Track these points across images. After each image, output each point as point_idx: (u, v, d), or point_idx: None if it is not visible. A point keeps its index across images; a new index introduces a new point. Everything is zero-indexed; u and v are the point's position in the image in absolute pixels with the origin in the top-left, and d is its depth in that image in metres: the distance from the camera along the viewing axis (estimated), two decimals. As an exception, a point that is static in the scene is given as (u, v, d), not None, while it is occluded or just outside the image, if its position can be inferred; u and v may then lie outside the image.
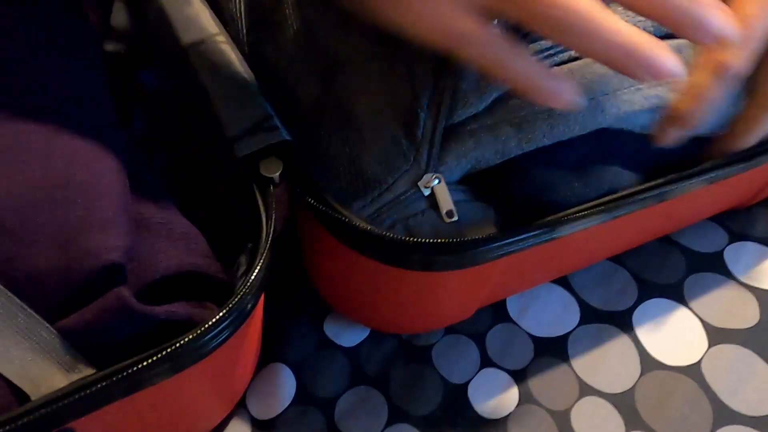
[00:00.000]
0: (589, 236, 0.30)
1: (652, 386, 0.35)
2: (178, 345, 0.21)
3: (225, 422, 0.32)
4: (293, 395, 0.34)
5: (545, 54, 0.29)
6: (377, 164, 0.28)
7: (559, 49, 0.29)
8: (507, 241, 0.26)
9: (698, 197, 0.35)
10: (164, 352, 0.21)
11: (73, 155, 0.24)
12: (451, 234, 0.28)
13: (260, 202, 0.25)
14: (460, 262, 0.26)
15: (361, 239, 0.26)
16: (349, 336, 0.36)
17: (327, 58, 0.31)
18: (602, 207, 0.28)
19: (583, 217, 0.28)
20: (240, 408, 0.33)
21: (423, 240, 0.26)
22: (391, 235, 0.26)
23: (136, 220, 0.24)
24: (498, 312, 0.37)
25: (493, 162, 0.28)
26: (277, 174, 0.26)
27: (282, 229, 0.27)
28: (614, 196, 0.29)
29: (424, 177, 0.27)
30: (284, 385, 0.34)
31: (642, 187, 0.29)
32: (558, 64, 0.30)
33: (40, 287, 0.22)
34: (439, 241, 0.26)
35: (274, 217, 0.24)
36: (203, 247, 0.25)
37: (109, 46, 0.32)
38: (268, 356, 0.35)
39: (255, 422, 0.33)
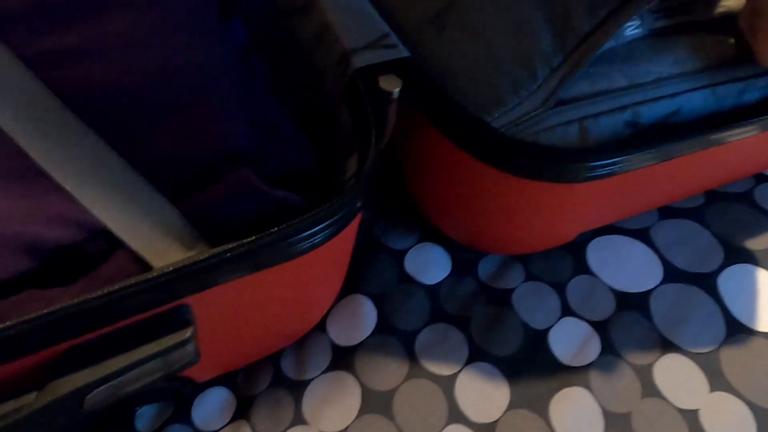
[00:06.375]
0: (683, 166, 0.31)
1: (738, 349, 0.34)
2: (289, 229, 0.22)
3: (304, 342, 0.33)
4: (374, 325, 0.34)
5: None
6: (506, 83, 0.28)
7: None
8: (614, 160, 0.27)
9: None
10: (276, 236, 0.22)
11: (188, 47, 0.24)
12: None
13: (376, 113, 0.25)
14: (565, 173, 0.26)
15: (482, 142, 0.27)
16: (429, 273, 0.36)
17: None
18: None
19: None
20: (320, 332, 0.34)
21: (530, 142, 0.26)
22: (510, 137, 0.27)
23: (250, 115, 0.24)
24: (578, 263, 0.37)
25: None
26: (397, 90, 0.26)
27: (386, 148, 0.28)
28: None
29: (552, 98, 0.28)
30: (365, 315, 0.34)
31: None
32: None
33: (166, 167, 0.22)
34: (546, 147, 0.26)
35: (388, 128, 0.25)
36: (311, 150, 0.25)
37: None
38: (349, 287, 0.35)
39: (335, 347, 0.33)
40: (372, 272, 0.36)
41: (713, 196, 0.41)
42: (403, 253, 0.37)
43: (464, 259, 0.37)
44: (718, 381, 0.32)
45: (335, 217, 0.23)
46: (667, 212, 0.40)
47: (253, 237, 0.21)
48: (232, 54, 0.27)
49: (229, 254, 0.21)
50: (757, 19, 0.30)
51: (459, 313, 0.35)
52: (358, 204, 0.24)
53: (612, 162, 0.27)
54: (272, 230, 0.22)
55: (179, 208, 0.22)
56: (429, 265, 0.37)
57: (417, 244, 0.38)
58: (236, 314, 0.26)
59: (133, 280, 0.20)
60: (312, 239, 0.23)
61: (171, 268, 0.21)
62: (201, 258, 0.21)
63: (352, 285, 0.35)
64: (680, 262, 0.37)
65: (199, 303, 0.23)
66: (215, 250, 0.21)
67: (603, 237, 0.38)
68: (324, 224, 0.22)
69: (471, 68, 0.30)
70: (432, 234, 0.38)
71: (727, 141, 0.31)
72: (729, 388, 0.32)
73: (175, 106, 0.23)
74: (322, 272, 0.28)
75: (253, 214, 0.22)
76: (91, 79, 0.23)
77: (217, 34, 0.27)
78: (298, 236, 0.22)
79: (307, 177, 0.26)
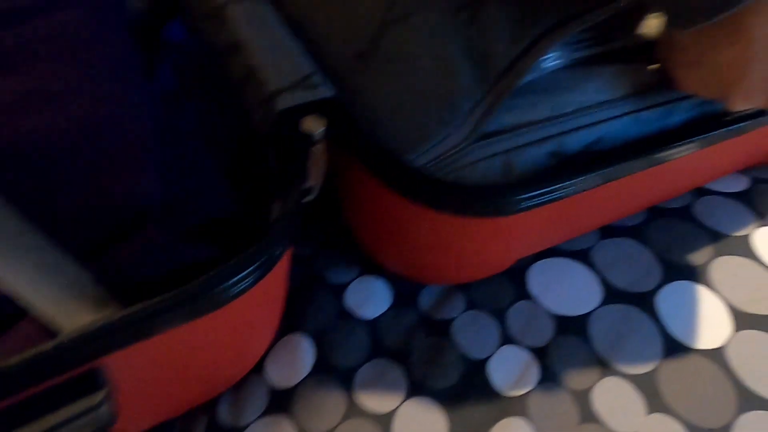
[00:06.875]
0: (616, 189, 0.31)
1: (675, 369, 0.34)
2: (204, 283, 0.21)
3: (241, 387, 0.32)
4: (312, 365, 0.34)
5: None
6: (430, 119, 0.28)
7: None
8: (546, 189, 0.28)
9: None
10: (190, 290, 0.21)
11: (103, 100, 0.24)
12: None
13: (297, 155, 0.25)
14: (491, 208, 0.26)
15: (407, 181, 0.27)
16: (370, 307, 0.36)
17: (381, 11, 0.31)
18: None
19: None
20: (257, 375, 0.33)
21: (452, 181, 0.26)
22: (435, 177, 0.27)
23: (168, 166, 0.24)
24: (519, 289, 0.37)
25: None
26: (320, 131, 0.26)
27: (320, 187, 0.28)
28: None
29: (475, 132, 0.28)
30: (304, 355, 0.34)
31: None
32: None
33: (73, 226, 0.22)
34: (469, 184, 0.26)
35: (311, 169, 0.25)
36: (234, 196, 0.25)
37: (134, 3, 0.32)
38: (288, 326, 0.35)
39: (273, 391, 0.33)
40: (311, 309, 0.36)
41: (653, 212, 0.42)
42: (344, 287, 0.37)
43: (406, 290, 0.37)
44: (655, 402, 0.33)
45: (253, 266, 0.23)
46: (607, 232, 0.40)
47: (161, 297, 0.21)
48: (156, 101, 0.27)
49: (137, 314, 0.21)
50: (672, 52, 0.31)
51: (399, 347, 0.35)
52: (278, 252, 0.24)
53: (536, 194, 0.28)
54: (182, 288, 0.21)
55: (91, 268, 0.22)
56: (370, 298, 0.37)
57: (358, 277, 0.38)
58: (162, 367, 0.25)
59: (35, 350, 0.20)
60: (229, 291, 0.22)
61: (75, 334, 0.21)
62: (107, 321, 0.21)
63: (290, 323, 0.35)
64: (620, 282, 0.38)
65: (116, 362, 0.22)
66: (122, 312, 0.21)
67: (544, 260, 0.39)
68: (241, 275, 0.22)
69: (396, 105, 0.30)
70: (374, 266, 0.38)
71: (655, 164, 0.32)
72: (666, 410, 0.32)
73: (86, 162, 0.23)
74: (250, 319, 0.27)
75: (165, 271, 0.22)
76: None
77: (137, 84, 0.27)
78: (212, 290, 0.22)
79: (232, 223, 0.26)
